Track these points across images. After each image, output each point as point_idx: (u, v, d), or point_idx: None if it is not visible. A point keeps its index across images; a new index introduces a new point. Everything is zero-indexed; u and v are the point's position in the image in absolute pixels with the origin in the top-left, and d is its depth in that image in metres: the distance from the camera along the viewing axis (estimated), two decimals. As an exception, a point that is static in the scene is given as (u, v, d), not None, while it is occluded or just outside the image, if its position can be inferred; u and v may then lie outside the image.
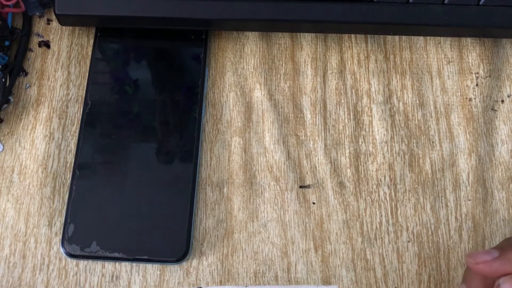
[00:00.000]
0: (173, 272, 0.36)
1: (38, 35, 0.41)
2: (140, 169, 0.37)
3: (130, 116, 0.38)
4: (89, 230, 0.35)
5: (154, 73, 0.39)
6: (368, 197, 0.38)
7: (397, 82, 0.41)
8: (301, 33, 0.42)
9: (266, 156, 0.39)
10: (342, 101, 0.41)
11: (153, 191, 0.36)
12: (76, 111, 0.39)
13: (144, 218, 0.36)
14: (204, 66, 0.40)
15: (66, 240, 0.35)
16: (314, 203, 0.38)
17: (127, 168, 0.37)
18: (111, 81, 0.39)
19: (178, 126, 0.38)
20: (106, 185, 0.36)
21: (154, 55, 0.40)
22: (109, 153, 0.37)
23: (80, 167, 0.37)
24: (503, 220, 0.38)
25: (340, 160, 0.39)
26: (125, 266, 0.36)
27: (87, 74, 0.40)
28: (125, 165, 0.37)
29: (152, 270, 0.36)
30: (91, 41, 0.41)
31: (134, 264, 0.36)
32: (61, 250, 0.35)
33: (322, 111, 0.40)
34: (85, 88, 0.39)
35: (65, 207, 0.36)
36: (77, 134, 0.38)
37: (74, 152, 0.37)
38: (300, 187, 0.38)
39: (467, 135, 0.40)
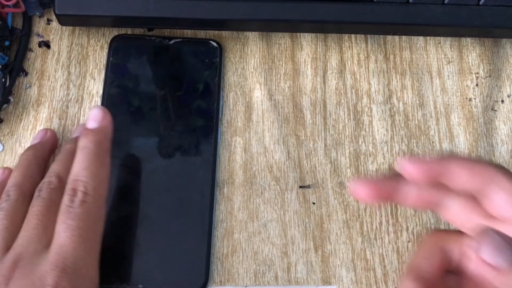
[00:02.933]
0: None
1: (38, 35, 0.41)
2: (157, 197, 0.36)
3: (144, 141, 0.37)
4: (107, 263, 0.33)
5: (169, 95, 0.38)
6: (368, 197, 0.38)
7: (397, 82, 0.41)
8: (301, 33, 0.42)
9: (266, 156, 0.39)
10: (342, 101, 0.41)
11: (171, 221, 0.35)
12: (76, 111, 0.39)
13: (163, 248, 0.35)
14: (219, 91, 0.39)
15: None
16: (314, 203, 0.38)
17: (143, 196, 0.36)
18: (126, 100, 0.38)
19: (195, 155, 0.37)
20: (121, 215, 0.35)
21: (169, 74, 0.39)
22: (123, 182, 0.36)
23: None
24: (503, 220, 0.38)
25: (340, 160, 0.39)
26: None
27: (87, 75, 0.40)
28: (140, 194, 0.36)
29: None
30: (92, 41, 0.41)
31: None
32: None
33: (322, 111, 0.40)
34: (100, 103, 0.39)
35: None
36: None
37: None
38: (300, 187, 0.38)
39: (467, 135, 0.40)
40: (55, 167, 0.33)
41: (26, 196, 0.32)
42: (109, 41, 0.39)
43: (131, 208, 0.35)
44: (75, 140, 0.34)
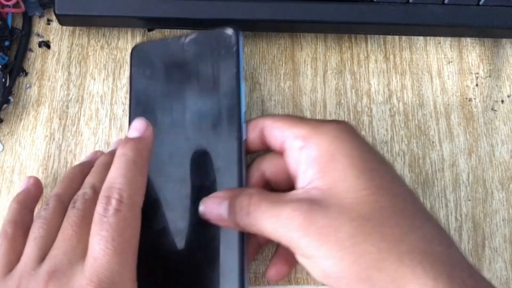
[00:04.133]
0: None
1: (38, 35, 0.41)
2: (186, 207, 0.33)
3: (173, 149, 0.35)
4: (147, 276, 0.32)
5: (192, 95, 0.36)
6: (368, 197, 0.38)
7: (397, 82, 0.41)
8: (301, 33, 0.42)
9: (266, 156, 0.39)
10: (342, 101, 0.41)
11: (202, 235, 0.33)
12: (76, 112, 0.39)
13: (195, 265, 0.32)
14: (239, 83, 0.35)
15: None
16: (314, 203, 0.38)
17: (174, 208, 0.34)
18: (152, 108, 0.36)
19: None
20: (155, 227, 0.33)
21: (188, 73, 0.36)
22: (152, 194, 0.34)
23: None
24: (503, 220, 0.38)
25: (340, 160, 0.39)
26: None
27: (87, 75, 0.40)
28: (169, 204, 0.34)
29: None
30: (92, 41, 0.41)
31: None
32: None
33: (322, 111, 0.40)
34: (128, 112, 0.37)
35: None
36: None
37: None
38: (300, 187, 0.38)
39: (467, 135, 0.40)
40: (90, 179, 0.33)
41: (64, 207, 0.32)
42: (129, 52, 0.38)
43: (158, 220, 0.34)
44: (112, 153, 0.33)
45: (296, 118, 0.32)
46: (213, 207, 0.31)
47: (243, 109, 0.34)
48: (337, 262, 0.26)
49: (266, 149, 0.33)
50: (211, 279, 0.32)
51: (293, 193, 0.29)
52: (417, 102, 0.41)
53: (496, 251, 0.37)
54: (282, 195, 0.30)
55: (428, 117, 0.40)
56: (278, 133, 0.31)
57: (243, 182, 0.32)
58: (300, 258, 0.28)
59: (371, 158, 0.29)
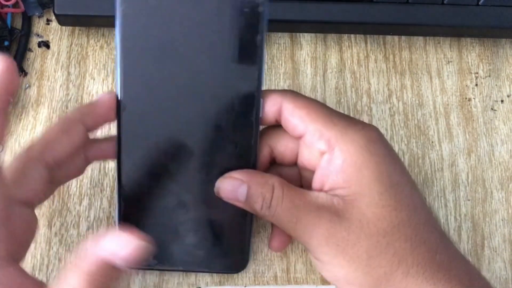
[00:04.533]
0: (173, 272, 0.36)
1: (38, 35, 0.41)
2: (195, 182, 0.32)
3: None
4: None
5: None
6: (368, 197, 0.38)
7: (396, 82, 0.41)
8: (301, 33, 0.42)
9: (265, 156, 0.39)
10: (342, 100, 0.41)
11: (210, 204, 0.32)
12: (75, 111, 0.39)
13: (203, 230, 0.33)
14: (262, 53, 0.30)
15: None
16: (313, 203, 0.38)
17: (181, 183, 0.32)
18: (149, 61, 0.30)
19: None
20: (158, 198, 0.32)
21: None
22: (157, 162, 0.32)
23: (126, 185, 0.32)
24: (502, 220, 0.38)
25: (340, 160, 0.39)
26: (124, 266, 0.36)
27: (87, 75, 0.40)
28: (179, 181, 0.32)
29: (151, 270, 0.36)
30: (92, 41, 0.41)
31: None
32: None
33: (321, 111, 0.40)
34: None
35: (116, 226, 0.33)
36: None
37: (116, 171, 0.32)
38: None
39: (467, 135, 0.40)
40: None
41: None
42: None
43: (167, 193, 0.32)
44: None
45: (320, 110, 0.30)
46: (230, 189, 0.30)
47: (262, 81, 0.30)
48: (350, 272, 0.28)
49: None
50: (218, 247, 0.33)
51: (314, 196, 0.29)
52: (417, 101, 0.41)
53: (496, 251, 0.37)
54: (304, 195, 0.29)
55: (427, 116, 0.40)
56: (299, 123, 0.30)
57: (256, 160, 0.31)
58: (313, 259, 0.30)
59: (395, 171, 0.29)
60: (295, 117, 0.30)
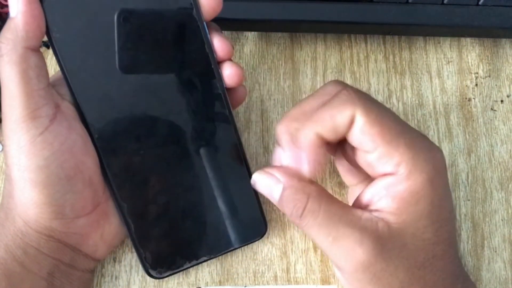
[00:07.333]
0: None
1: (38, 35, 0.41)
2: (190, 167, 0.33)
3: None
4: (166, 249, 0.33)
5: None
6: (368, 197, 0.38)
7: (396, 82, 0.41)
8: (301, 33, 0.42)
9: (265, 156, 0.39)
10: (342, 101, 0.41)
11: (211, 183, 0.33)
12: (75, 111, 0.39)
13: (213, 213, 0.34)
14: (203, 25, 0.31)
15: (150, 268, 0.33)
16: (313, 203, 0.38)
17: (175, 170, 0.33)
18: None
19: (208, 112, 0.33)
20: (161, 198, 0.33)
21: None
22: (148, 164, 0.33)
23: (124, 196, 0.33)
24: (502, 220, 0.38)
25: (340, 160, 0.39)
26: (124, 267, 0.36)
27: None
28: (172, 170, 0.33)
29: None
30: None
31: (133, 264, 0.36)
32: (149, 277, 0.34)
33: (321, 111, 0.40)
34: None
35: (129, 240, 0.34)
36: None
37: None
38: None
39: (467, 135, 0.40)
40: None
41: None
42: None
43: (169, 189, 0.33)
44: None
45: (393, 126, 0.28)
46: (266, 185, 0.29)
47: (214, 54, 0.31)
48: None
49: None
50: (234, 224, 0.34)
51: (357, 215, 0.28)
52: (417, 102, 0.41)
53: (495, 251, 0.37)
54: (346, 213, 0.28)
55: (427, 117, 0.40)
56: (369, 142, 0.28)
57: (236, 133, 0.33)
58: (341, 276, 0.29)
59: (446, 208, 0.29)
60: (365, 136, 0.27)
